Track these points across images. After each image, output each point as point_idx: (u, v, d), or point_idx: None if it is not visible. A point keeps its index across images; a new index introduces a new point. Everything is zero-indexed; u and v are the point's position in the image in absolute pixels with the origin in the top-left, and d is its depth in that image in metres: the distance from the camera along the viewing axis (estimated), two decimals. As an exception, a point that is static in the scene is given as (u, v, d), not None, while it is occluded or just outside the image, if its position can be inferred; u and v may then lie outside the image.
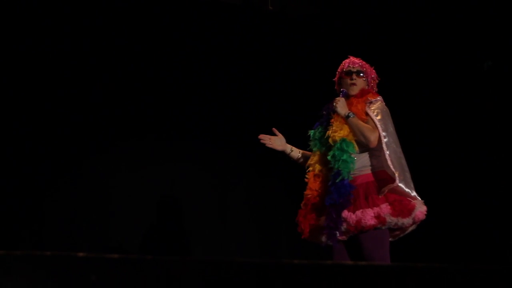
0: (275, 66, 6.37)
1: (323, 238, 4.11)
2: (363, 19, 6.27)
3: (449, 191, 6.29)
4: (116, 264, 2.39)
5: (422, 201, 4.13)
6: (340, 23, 6.29)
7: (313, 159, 4.26)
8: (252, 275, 2.37)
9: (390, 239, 4.16)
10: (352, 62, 4.33)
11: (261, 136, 4.37)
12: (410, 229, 4.16)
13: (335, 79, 4.39)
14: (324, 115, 4.30)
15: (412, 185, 4.12)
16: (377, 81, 4.38)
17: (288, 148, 4.42)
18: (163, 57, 6.07)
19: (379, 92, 4.37)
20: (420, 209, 4.07)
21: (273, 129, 4.41)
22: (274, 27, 6.19)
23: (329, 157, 4.12)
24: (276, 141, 4.39)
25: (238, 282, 2.38)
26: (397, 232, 4.17)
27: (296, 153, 4.42)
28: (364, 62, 4.35)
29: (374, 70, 4.38)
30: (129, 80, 5.99)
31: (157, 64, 6.05)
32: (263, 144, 4.38)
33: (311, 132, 4.30)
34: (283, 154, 4.45)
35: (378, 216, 3.99)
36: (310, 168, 4.26)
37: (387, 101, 4.35)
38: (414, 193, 4.11)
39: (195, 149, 6.24)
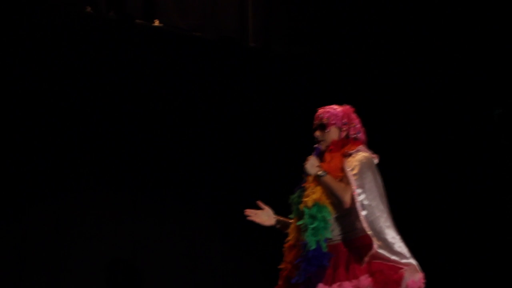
0: (256, 110, 6.31)
1: None
2: (351, 58, 6.28)
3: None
4: None
5: (416, 266, 3.82)
6: (326, 61, 6.28)
7: (291, 227, 4.07)
8: None
9: None
10: (315, 116, 4.16)
11: (247, 212, 4.21)
12: None
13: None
14: (303, 178, 4.08)
15: (399, 249, 3.83)
16: (354, 124, 4.10)
17: (276, 221, 4.25)
18: (127, 103, 5.90)
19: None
20: (413, 278, 3.78)
21: (258, 202, 4.24)
22: (256, 64, 6.14)
23: (299, 225, 3.96)
24: (263, 216, 4.24)
25: None
26: None
27: (286, 225, 4.21)
28: (329, 109, 4.12)
29: (349, 112, 4.12)
30: (90, 122, 5.80)
31: (109, 105, 5.86)
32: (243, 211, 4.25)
33: (291, 197, 4.13)
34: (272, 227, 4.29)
35: None
36: (288, 238, 4.06)
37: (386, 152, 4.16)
38: (405, 260, 3.81)
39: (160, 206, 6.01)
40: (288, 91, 6.29)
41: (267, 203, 5.87)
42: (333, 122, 4.02)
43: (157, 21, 5.68)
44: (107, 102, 5.78)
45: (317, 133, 4.05)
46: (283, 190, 4.29)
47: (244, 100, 6.27)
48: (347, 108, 4.12)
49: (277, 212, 4.29)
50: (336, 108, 4.10)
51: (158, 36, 5.81)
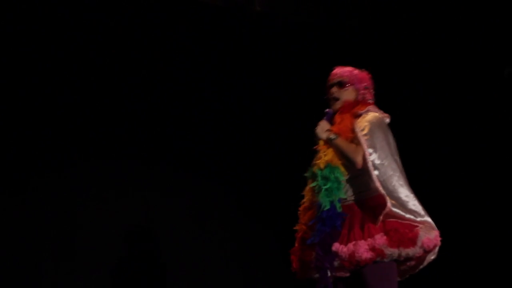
0: (263, 81, 6.27)
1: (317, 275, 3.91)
2: (361, 21, 6.20)
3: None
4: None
5: (431, 224, 3.81)
6: (334, 26, 6.21)
7: (305, 189, 4.03)
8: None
9: (409, 272, 3.93)
10: (333, 74, 4.09)
11: None
12: (429, 258, 3.87)
13: (326, 96, 4.16)
14: (315, 142, 4.08)
15: (413, 207, 3.80)
16: (372, 90, 4.08)
17: None
18: (140, 74, 5.96)
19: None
20: (428, 236, 3.76)
21: None
22: (261, 30, 6.05)
23: (313, 187, 3.94)
24: None
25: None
26: (411, 263, 3.88)
27: None
28: (350, 70, 4.08)
29: (368, 77, 4.09)
30: (104, 98, 5.88)
31: (133, 81, 5.96)
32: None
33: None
34: None
35: (373, 248, 3.70)
36: (304, 200, 4.03)
37: (400, 114, 4.11)
38: (420, 218, 3.79)
39: (173, 178, 6.11)
40: (294, 56, 6.23)
41: (279, 175, 5.87)
42: (353, 82, 4.00)
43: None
44: (117, 74, 5.84)
45: (334, 90, 4.01)
46: (294, 160, 4.33)
47: (251, 65, 6.22)
48: (366, 73, 4.09)
49: (290, 183, 4.32)
50: (355, 70, 4.08)
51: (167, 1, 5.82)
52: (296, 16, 6.02)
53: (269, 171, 6.32)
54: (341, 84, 4.00)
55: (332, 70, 4.10)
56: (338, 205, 3.77)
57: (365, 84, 4.02)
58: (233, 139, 6.26)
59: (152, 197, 5.98)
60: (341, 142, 3.84)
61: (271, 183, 6.26)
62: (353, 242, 3.73)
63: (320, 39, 6.21)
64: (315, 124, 3.94)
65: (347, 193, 3.84)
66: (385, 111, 4.01)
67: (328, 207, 3.76)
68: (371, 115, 3.88)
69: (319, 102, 4.12)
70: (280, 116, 6.30)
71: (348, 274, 3.80)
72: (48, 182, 5.72)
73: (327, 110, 3.99)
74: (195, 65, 6.08)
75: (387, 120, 3.95)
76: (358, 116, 3.90)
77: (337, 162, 3.84)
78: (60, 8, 5.48)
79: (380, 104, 4.06)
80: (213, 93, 6.21)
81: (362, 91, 4.01)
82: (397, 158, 3.86)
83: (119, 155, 5.95)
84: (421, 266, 3.88)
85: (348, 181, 3.86)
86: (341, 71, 4.04)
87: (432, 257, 3.84)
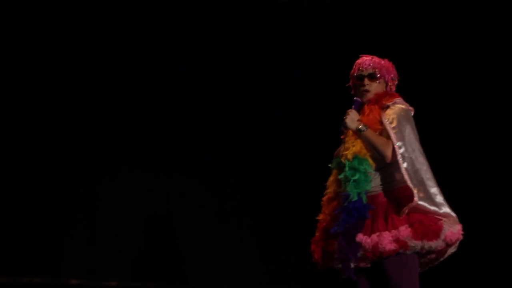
0: (284, 68, 6.35)
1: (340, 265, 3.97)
2: (380, 10, 6.23)
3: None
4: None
5: (455, 218, 3.87)
6: (358, 13, 6.23)
7: (330, 179, 4.07)
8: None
9: (428, 265, 4.00)
10: (363, 64, 4.06)
11: None
12: (450, 251, 3.93)
13: (350, 84, 4.12)
14: (343, 131, 4.07)
15: (440, 200, 3.85)
16: (396, 81, 4.09)
17: None
18: (162, 58, 6.09)
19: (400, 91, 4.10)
20: (452, 229, 3.83)
21: None
22: (285, 19, 6.15)
23: (340, 178, 3.95)
24: None
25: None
26: (432, 256, 3.94)
27: None
28: (379, 61, 4.07)
29: (393, 67, 4.09)
30: (125, 82, 6.01)
31: (153, 64, 6.08)
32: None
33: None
34: None
35: (397, 240, 3.76)
36: (327, 190, 4.06)
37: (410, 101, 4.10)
38: (444, 210, 3.84)
39: (193, 161, 6.24)
40: (317, 44, 6.28)
41: (299, 160, 6.06)
42: (383, 74, 4.01)
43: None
44: (142, 56, 5.99)
45: (367, 81, 3.99)
46: (316, 149, 4.46)
47: (275, 52, 6.29)
48: (389, 62, 4.09)
49: (310, 167, 4.41)
50: (382, 60, 4.07)
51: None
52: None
53: (291, 158, 6.32)
54: (373, 76, 4.00)
55: (358, 58, 4.10)
56: (364, 198, 3.81)
57: (392, 75, 4.05)
58: (257, 125, 6.31)
59: (172, 181, 6.08)
60: (371, 134, 3.87)
61: (292, 171, 6.28)
62: (377, 234, 3.78)
63: (343, 25, 6.27)
64: (344, 113, 3.94)
65: (372, 184, 3.88)
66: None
67: (355, 198, 3.80)
68: (398, 107, 3.92)
69: (342, 91, 4.15)
70: (302, 104, 6.31)
71: (369, 265, 3.86)
72: (71, 162, 5.86)
73: (355, 98, 4.01)
74: (217, 50, 6.16)
75: (412, 113, 3.99)
76: (385, 107, 3.94)
77: (366, 153, 3.88)
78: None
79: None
80: (237, 79, 6.24)
81: (390, 83, 4.03)
82: (422, 151, 3.89)
83: (142, 139, 6.05)
84: (441, 259, 3.94)
85: (374, 172, 3.90)
86: (373, 63, 4.04)
87: (453, 250, 3.89)
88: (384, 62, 4.06)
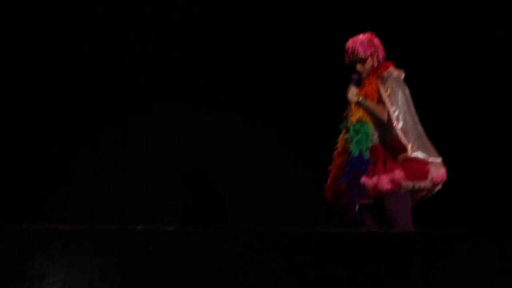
0: (300, 42, 6.38)
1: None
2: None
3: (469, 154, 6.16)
4: (171, 236, 2.70)
5: (440, 163, 4.23)
6: None
7: (340, 137, 4.45)
8: (287, 244, 2.64)
9: (419, 201, 4.34)
10: (350, 52, 4.36)
11: None
12: (435, 190, 4.30)
13: (346, 64, 4.47)
14: (347, 103, 4.46)
15: (429, 150, 4.22)
16: (381, 47, 4.39)
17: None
18: (200, 27, 6.16)
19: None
20: (437, 172, 4.20)
21: None
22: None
23: (346, 138, 4.35)
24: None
25: (277, 251, 2.66)
26: (422, 194, 4.31)
27: None
28: (361, 42, 4.34)
29: (373, 39, 4.38)
30: (165, 47, 6.11)
31: (196, 32, 6.15)
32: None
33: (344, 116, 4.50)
34: None
35: (393, 181, 4.14)
36: (337, 145, 4.44)
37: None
38: (432, 157, 4.21)
39: (229, 120, 6.43)
40: (329, 26, 6.24)
41: (318, 122, 6.25)
42: (368, 53, 4.31)
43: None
44: (182, 22, 6.06)
45: (359, 67, 4.34)
46: (331, 114, 4.68)
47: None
48: (369, 34, 4.37)
49: (326, 127, 4.69)
50: (363, 39, 4.33)
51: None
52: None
53: (312, 120, 6.45)
54: (361, 61, 4.34)
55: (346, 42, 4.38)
56: (365, 154, 4.20)
57: (373, 47, 4.33)
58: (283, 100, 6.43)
59: (212, 138, 6.28)
60: (369, 103, 4.26)
61: (313, 130, 6.40)
62: (376, 176, 4.18)
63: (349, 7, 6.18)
64: (345, 89, 4.32)
65: (373, 139, 4.29)
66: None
67: (357, 154, 4.20)
68: (391, 76, 4.29)
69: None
70: (319, 79, 6.35)
71: (371, 202, 4.27)
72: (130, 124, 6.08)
73: (353, 75, 4.36)
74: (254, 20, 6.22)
75: (403, 75, 4.34)
76: (381, 77, 4.30)
77: (367, 118, 4.26)
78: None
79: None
80: (271, 50, 6.27)
81: (376, 53, 4.34)
82: (413, 109, 4.29)
83: (184, 97, 6.25)
84: (429, 195, 4.33)
85: (375, 128, 4.30)
86: (356, 48, 4.32)
87: (438, 188, 4.28)
88: (365, 39, 4.35)
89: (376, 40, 4.41)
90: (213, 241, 2.70)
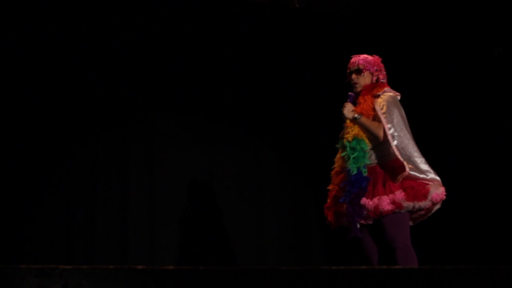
0: (302, 63, 6.46)
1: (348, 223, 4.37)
2: (388, 15, 6.25)
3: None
4: (172, 275, 2.68)
5: (439, 182, 4.29)
6: (366, 18, 6.25)
7: (337, 156, 4.50)
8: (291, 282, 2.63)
9: (419, 219, 4.42)
10: (351, 62, 4.49)
11: None
12: (435, 208, 4.36)
13: (347, 81, 4.57)
14: (343, 120, 4.53)
15: (426, 168, 4.27)
16: (383, 70, 4.51)
17: None
18: (203, 36, 6.14)
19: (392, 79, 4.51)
20: (436, 192, 4.26)
21: None
22: (300, 24, 6.24)
23: (343, 156, 4.40)
24: None
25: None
26: (421, 213, 4.37)
27: None
28: (365, 57, 4.48)
29: (378, 61, 4.51)
30: (174, 52, 6.09)
31: (200, 39, 6.13)
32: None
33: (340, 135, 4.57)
34: None
35: (393, 202, 4.20)
36: (335, 165, 4.51)
37: (399, 90, 4.49)
38: (430, 176, 4.27)
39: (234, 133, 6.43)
40: (330, 48, 6.29)
41: (314, 142, 6.23)
42: (368, 68, 4.43)
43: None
44: (186, 30, 6.00)
45: (353, 76, 4.43)
46: (328, 135, 4.76)
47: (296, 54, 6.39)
48: (377, 57, 4.52)
49: (322, 147, 4.72)
50: (368, 56, 4.48)
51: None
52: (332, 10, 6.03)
53: (309, 141, 6.49)
54: (358, 71, 4.45)
55: (350, 59, 4.53)
56: (363, 170, 4.25)
57: (376, 67, 4.46)
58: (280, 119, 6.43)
59: (214, 150, 6.24)
60: (365, 120, 4.33)
61: (310, 150, 6.45)
62: (377, 197, 4.23)
63: (356, 29, 6.24)
64: (342, 107, 4.41)
65: (371, 158, 4.35)
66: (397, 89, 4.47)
67: (355, 172, 4.26)
68: (387, 95, 4.36)
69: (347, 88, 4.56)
70: (318, 100, 6.41)
71: (371, 222, 4.34)
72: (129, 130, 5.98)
73: (350, 93, 4.45)
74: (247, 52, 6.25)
75: (399, 97, 4.44)
76: (377, 96, 4.38)
77: (363, 135, 4.33)
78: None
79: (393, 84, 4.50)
80: (272, 62, 6.30)
81: (375, 73, 4.45)
82: (409, 129, 4.35)
83: (186, 109, 6.18)
84: (429, 214, 4.40)
85: (372, 149, 4.36)
86: (357, 60, 4.47)
87: (437, 207, 4.35)
88: (371, 57, 4.49)
89: (380, 62, 4.53)
90: (215, 280, 2.68)
